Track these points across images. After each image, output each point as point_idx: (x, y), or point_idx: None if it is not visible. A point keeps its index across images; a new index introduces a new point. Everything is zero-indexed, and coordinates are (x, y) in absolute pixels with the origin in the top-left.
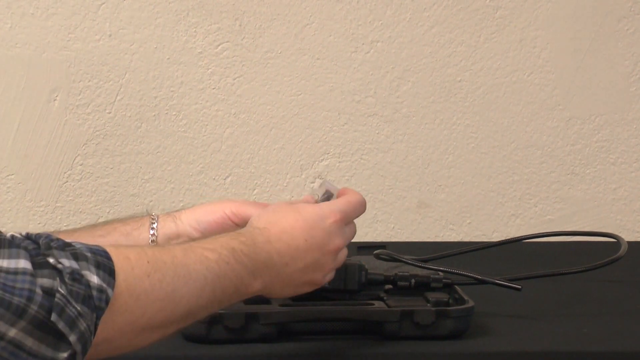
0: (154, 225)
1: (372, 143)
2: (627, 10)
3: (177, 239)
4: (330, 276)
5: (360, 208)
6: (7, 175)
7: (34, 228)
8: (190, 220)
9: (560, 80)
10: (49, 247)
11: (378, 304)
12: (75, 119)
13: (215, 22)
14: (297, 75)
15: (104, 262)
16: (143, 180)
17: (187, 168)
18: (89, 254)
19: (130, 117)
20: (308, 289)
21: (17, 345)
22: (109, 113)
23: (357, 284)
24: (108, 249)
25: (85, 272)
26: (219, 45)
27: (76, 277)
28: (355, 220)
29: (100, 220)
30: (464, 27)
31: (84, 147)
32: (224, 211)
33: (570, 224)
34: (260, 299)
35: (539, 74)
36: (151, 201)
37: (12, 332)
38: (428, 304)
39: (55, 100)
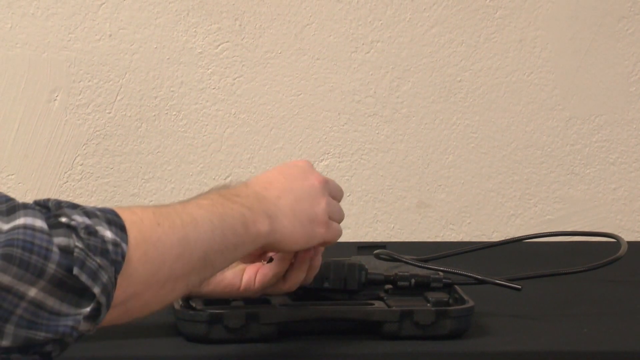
0: None
1: (372, 143)
2: (627, 10)
3: None
4: (332, 233)
5: (340, 190)
6: (7, 175)
7: None
8: None
9: (560, 80)
10: (60, 207)
11: (378, 304)
12: (75, 119)
13: (215, 22)
14: (297, 75)
15: (114, 219)
16: (143, 180)
17: (187, 168)
18: (98, 212)
19: (130, 117)
20: (318, 229)
21: (38, 305)
22: (109, 113)
23: (357, 284)
24: (113, 208)
25: (99, 228)
26: (219, 45)
27: (91, 231)
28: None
29: None
30: (464, 27)
31: (84, 147)
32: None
33: (570, 224)
34: (260, 299)
35: (539, 74)
36: (151, 201)
37: (32, 292)
38: (428, 304)
39: (55, 100)
